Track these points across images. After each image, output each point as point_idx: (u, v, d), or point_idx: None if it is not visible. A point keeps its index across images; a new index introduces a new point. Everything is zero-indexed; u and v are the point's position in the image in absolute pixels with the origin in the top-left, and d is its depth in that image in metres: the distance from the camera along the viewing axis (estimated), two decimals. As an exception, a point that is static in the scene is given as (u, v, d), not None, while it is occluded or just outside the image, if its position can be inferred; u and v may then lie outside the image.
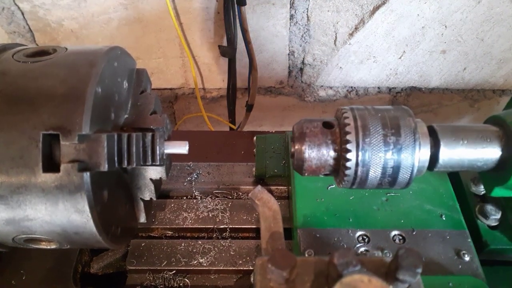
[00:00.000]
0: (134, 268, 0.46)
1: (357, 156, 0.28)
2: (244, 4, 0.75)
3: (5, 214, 0.25)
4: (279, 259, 0.25)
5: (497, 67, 0.87)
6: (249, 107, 0.90)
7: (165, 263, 0.47)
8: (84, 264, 0.50)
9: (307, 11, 0.79)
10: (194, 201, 0.53)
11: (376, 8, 0.77)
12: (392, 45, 0.83)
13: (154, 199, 0.36)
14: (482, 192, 0.53)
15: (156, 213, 0.51)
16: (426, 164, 0.30)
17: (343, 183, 0.30)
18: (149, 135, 0.29)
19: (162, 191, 0.35)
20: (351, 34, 0.82)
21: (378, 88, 0.95)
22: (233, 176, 0.57)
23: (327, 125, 0.30)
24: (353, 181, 0.29)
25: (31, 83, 0.26)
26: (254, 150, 0.59)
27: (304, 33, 0.83)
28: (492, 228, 0.50)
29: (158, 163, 0.30)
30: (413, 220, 0.49)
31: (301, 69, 0.91)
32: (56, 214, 0.25)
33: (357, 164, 0.28)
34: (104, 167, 0.25)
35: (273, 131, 0.67)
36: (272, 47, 0.86)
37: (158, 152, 0.29)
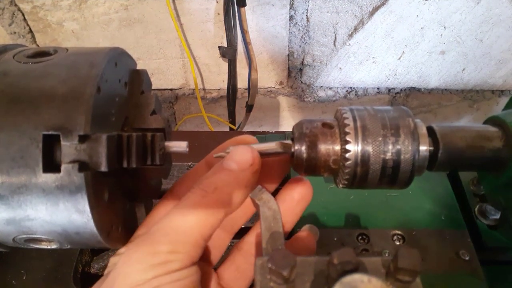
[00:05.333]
0: (134, 268, 0.46)
1: (357, 156, 0.28)
2: (244, 5, 0.75)
3: (5, 214, 0.25)
4: (279, 259, 0.25)
5: (496, 67, 0.87)
6: (249, 108, 0.90)
7: (165, 263, 0.47)
8: (85, 264, 0.50)
9: (306, 12, 0.79)
10: (194, 201, 0.53)
11: (375, 9, 0.77)
12: (391, 46, 0.83)
13: (154, 199, 0.36)
14: (482, 192, 0.53)
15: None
16: (426, 164, 0.30)
17: (343, 183, 0.30)
18: (149, 136, 0.29)
19: (162, 191, 0.35)
20: (351, 35, 0.82)
21: (378, 88, 0.95)
22: (233, 176, 0.57)
23: (326, 125, 0.30)
24: (352, 181, 0.30)
25: (32, 84, 0.26)
26: (254, 150, 0.59)
27: (304, 34, 0.83)
28: (492, 228, 0.50)
29: (158, 163, 0.30)
30: (413, 220, 0.49)
31: (301, 70, 0.91)
32: (56, 214, 0.25)
33: (356, 165, 0.28)
34: (105, 167, 0.25)
35: (273, 132, 0.68)
36: (271, 48, 0.86)
37: (158, 152, 0.29)
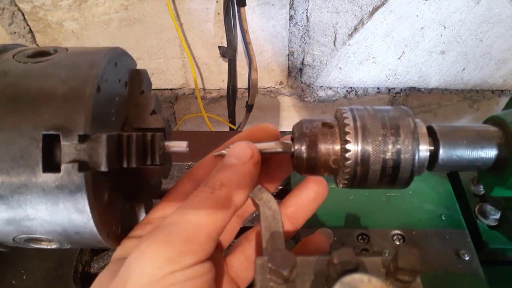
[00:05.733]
0: (134, 268, 0.46)
1: (357, 156, 0.28)
2: (244, 5, 0.75)
3: (5, 214, 0.25)
4: (279, 259, 0.25)
5: (496, 67, 0.87)
6: (249, 107, 0.90)
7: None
8: (85, 264, 0.50)
9: (306, 12, 0.79)
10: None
11: (376, 9, 0.77)
12: (391, 46, 0.83)
13: (154, 199, 0.36)
14: (482, 192, 0.53)
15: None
16: (426, 164, 0.30)
17: (343, 183, 0.30)
18: (149, 135, 0.29)
19: (162, 191, 0.35)
20: (351, 35, 0.82)
21: (378, 88, 0.95)
22: (233, 176, 0.57)
23: (326, 125, 0.30)
24: (352, 181, 0.29)
25: (32, 84, 0.26)
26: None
27: (304, 33, 0.83)
28: (492, 228, 0.50)
29: (158, 163, 0.30)
30: (413, 220, 0.49)
31: (301, 70, 0.91)
32: (56, 214, 0.25)
33: (356, 164, 0.28)
34: (105, 167, 0.25)
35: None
36: (271, 47, 0.86)
37: (158, 152, 0.29)
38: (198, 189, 0.29)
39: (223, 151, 0.32)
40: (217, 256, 0.31)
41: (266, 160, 0.32)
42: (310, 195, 0.33)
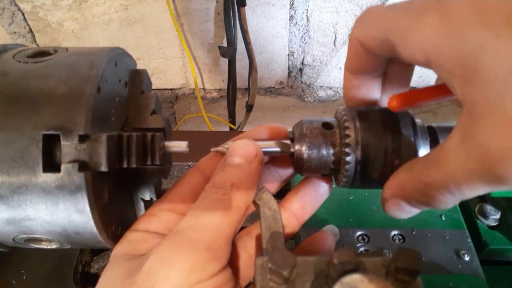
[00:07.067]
0: (134, 268, 0.46)
1: (357, 156, 0.28)
2: (244, 5, 0.75)
3: (5, 214, 0.25)
4: (279, 259, 0.25)
5: (496, 67, 0.87)
6: (249, 108, 0.90)
7: (165, 263, 0.47)
8: (85, 264, 0.50)
9: (306, 12, 0.79)
10: (194, 201, 0.53)
11: (376, 8, 0.77)
12: (391, 46, 0.83)
13: (154, 199, 0.36)
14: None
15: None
16: (426, 164, 0.30)
17: (343, 183, 0.30)
18: (149, 135, 0.29)
19: (162, 191, 0.36)
20: (351, 35, 0.82)
21: (378, 88, 0.95)
22: (233, 176, 0.57)
23: (326, 125, 0.30)
24: (352, 181, 0.30)
25: (32, 84, 0.26)
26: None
27: (304, 33, 0.83)
28: (492, 228, 0.50)
29: (158, 163, 0.30)
30: (413, 220, 0.49)
31: (301, 70, 0.91)
32: (56, 214, 0.25)
33: (356, 165, 0.28)
34: (105, 167, 0.25)
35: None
36: (272, 47, 0.86)
37: (158, 152, 0.29)
38: (206, 189, 0.29)
39: (221, 148, 0.32)
40: None
41: (270, 160, 0.32)
42: (315, 189, 0.33)
